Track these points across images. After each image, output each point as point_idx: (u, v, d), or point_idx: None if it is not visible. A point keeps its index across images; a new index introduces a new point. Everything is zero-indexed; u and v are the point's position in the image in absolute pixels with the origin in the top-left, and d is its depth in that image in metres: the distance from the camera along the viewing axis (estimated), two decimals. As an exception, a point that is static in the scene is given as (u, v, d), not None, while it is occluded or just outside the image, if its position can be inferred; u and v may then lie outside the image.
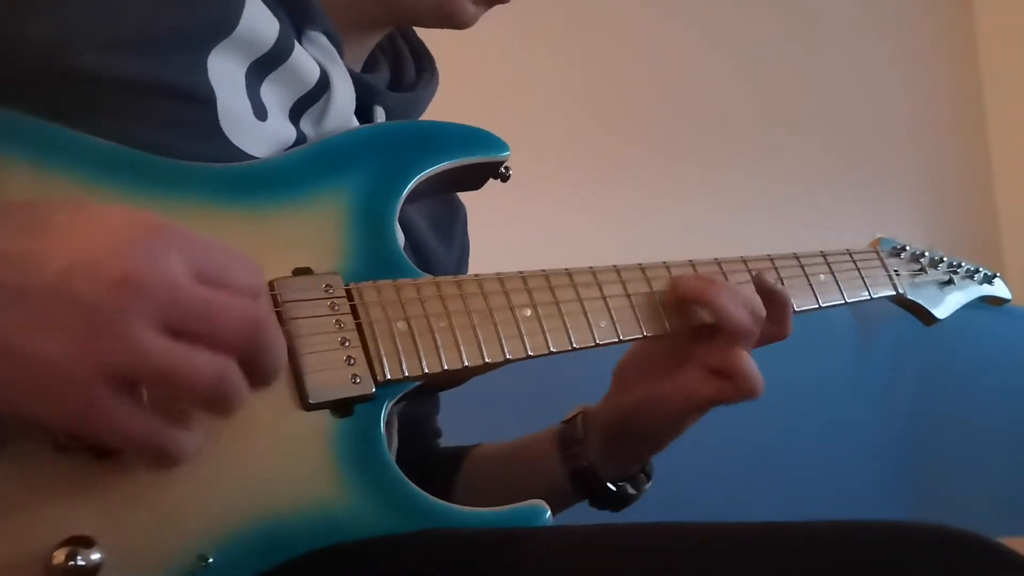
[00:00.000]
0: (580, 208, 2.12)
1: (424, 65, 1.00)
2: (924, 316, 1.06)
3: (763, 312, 0.89)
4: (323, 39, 0.84)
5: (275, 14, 0.80)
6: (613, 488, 0.94)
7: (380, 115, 0.90)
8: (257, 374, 0.57)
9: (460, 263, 1.04)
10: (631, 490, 0.95)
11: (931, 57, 3.00)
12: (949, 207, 2.93)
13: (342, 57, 0.86)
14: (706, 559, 0.57)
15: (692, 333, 0.89)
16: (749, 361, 0.87)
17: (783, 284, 0.95)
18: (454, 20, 0.91)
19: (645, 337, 0.86)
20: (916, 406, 2.06)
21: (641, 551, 0.59)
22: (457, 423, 1.06)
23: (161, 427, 0.54)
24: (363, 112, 0.89)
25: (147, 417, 0.54)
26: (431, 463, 1.02)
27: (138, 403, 0.54)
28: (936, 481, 1.97)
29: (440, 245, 0.99)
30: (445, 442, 1.07)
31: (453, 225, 1.04)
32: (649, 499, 0.97)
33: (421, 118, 0.96)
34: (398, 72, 0.98)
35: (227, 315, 0.55)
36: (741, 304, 0.87)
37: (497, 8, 0.93)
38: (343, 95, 0.84)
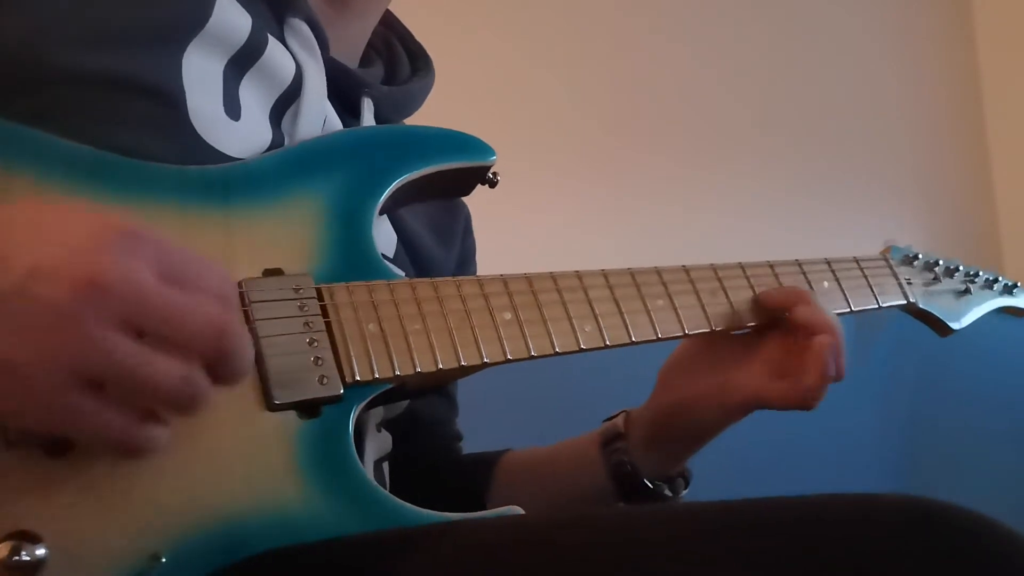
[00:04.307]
0: (576, 212, 2.12)
1: (419, 64, 0.99)
2: (939, 327, 1.02)
3: None
4: (305, 27, 0.84)
5: (251, 7, 0.80)
6: (650, 486, 0.94)
7: (368, 107, 0.89)
8: (221, 376, 0.57)
9: (463, 264, 1.03)
10: (668, 492, 0.96)
11: (930, 59, 2.98)
12: (948, 208, 2.90)
13: (326, 49, 0.86)
14: (685, 545, 0.55)
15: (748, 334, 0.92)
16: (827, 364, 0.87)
17: None
18: None
19: (633, 343, 0.84)
20: (915, 406, 2.06)
21: (558, 545, 0.58)
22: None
23: (127, 423, 0.55)
24: (351, 105, 0.88)
25: (113, 413, 0.54)
26: (459, 470, 1.02)
27: (104, 399, 0.53)
28: (935, 481, 1.95)
29: (438, 246, 0.99)
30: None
31: (453, 226, 1.03)
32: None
33: (420, 115, 0.96)
34: (392, 70, 0.98)
35: (191, 318, 0.55)
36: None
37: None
38: (313, 88, 0.83)
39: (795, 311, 0.89)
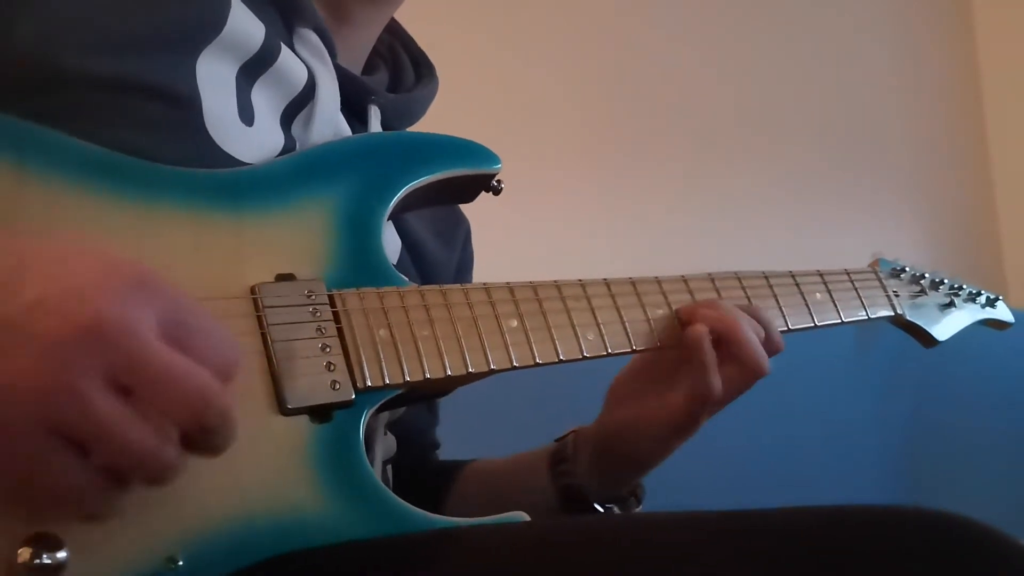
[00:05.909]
0: (577, 219, 2.12)
1: (423, 71, 1.01)
2: (924, 338, 1.06)
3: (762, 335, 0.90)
4: (314, 37, 0.85)
5: (263, 15, 0.81)
6: (600, 509, 0.93)
7: (375, 114, 0.90)
8: (197, 450, 0.56)
9: (461, 272, 1.04)
10: (618, 512, 0.94)
11: (930, 59, 2.99)
12: (948, 208, 2.91)
13: (334, 56, 0.87)
14: (692, 549, 0.56)
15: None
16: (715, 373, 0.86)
17: (778, 302, 0.95)
18: None
19: (635, 351, 0.86)
20: (915, 409, 2.06)
21: (583, 545, 0.59)
22: (453, 435, 1.07)
23: (92, 489, 0.53)
24: (358, 112, 0.89)
25: (79, 474, 0.52)
26: (425, 475, 1.02)
27: (73, 457, 0.52)
28: (935, 483, 1.97)
29: (441, 249, 1.00)
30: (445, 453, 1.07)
31: (455, 231, 1.04)
32: (646, 502, 0.97)
33: (420, 122, 0.97)
34: (397, 77, 0.99)
35: (179, 386, 0.53)
36: (756, 340, 0.88)
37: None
38: (327, 95, 0.84)
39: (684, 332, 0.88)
